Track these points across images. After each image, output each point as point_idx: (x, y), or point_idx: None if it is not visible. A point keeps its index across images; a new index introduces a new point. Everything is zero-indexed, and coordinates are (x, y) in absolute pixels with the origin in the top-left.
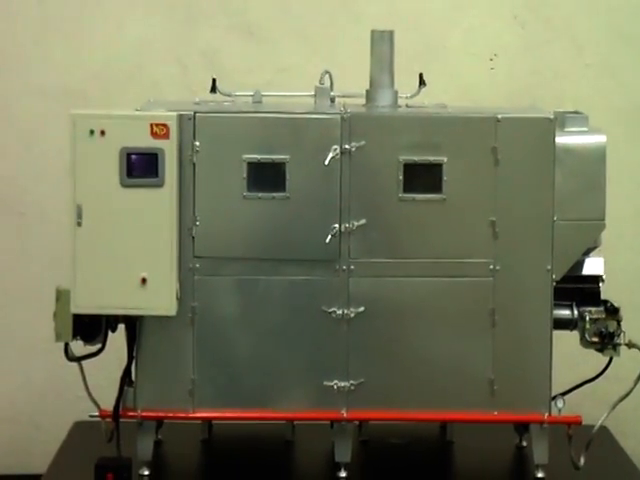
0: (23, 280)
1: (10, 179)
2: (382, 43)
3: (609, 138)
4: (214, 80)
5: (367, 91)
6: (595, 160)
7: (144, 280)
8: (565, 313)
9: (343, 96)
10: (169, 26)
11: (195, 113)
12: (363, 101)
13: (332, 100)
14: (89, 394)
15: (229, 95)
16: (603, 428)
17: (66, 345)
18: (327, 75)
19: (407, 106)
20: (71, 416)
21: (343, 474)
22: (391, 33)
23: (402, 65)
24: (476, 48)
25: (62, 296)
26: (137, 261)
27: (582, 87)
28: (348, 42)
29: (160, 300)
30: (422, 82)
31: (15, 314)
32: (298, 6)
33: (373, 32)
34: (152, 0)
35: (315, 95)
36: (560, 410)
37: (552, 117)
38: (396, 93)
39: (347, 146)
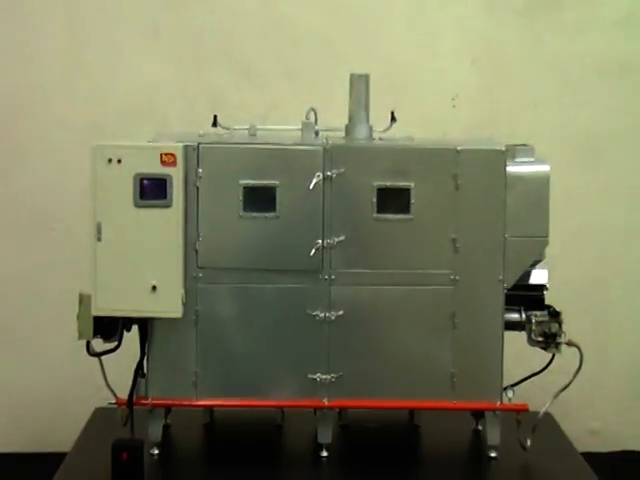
0: (51, 286)
1: (42, 200)
2: (359, 85)
3: (554, 165)
4: (215, 116)
5: (346, 126)
6: (540, 186)
7: (154, 287)
8: (515, 316)
9: (326, 130)
10: (178, 69)
11: (199, 144)
12: (343, 134)
13: (316, 133)
14: (107, 385)
15: (228, 128)
16: (547, 414)
17: (87, 342)
18: (312, 112)
19: (380, 139)
20: (92, 404)
21: (325, 453)
22: (367, 76)
23: (377, 100)
24: (440, 88)
25: (84, 300)
26: (148, 271)
27: (531, 122)
28: (330, 82)
29: (168, 304)
30: (393, 118)
31: (45, 316)
32: (288, 51)
33: (352, 75)
34: (164, 47)
35: (302, 129)
36: (510, 399)
37: (504, 149)
38: (371, 128)
39: (329, 173)
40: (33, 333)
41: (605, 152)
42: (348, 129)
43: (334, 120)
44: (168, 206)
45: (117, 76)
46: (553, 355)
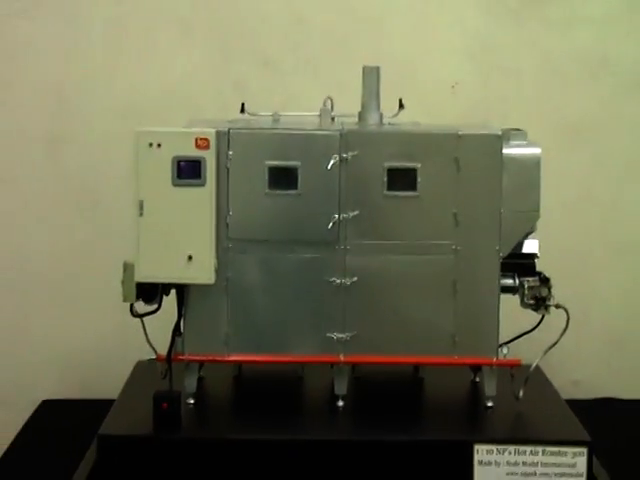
0: (99, 257)
1: (89, 178)
2: (371, 76)
3: (544, 147)
4: (243, 104)
5: (359, 113)
6: (532, 167)
7: (190, 257)
8: (509, 282)
9: (341, 115)
10: (208, 61)
11: (229, 129)
12: (356, 120)
13: (333, 119)
14: (149, 342)
15: (254, 115)
16: (537, 368)
17: (131, 305)
18: (329, 100)
19: (389, 124)
20: (135, 357)
21: (340, 403)
22: (378, 68)
23: (385, 89)
24: (442, 77)
25: (128, 268)
26: (185, 242)
27: (522, 109)
28: (344, 73)
29: (202, 272)
30: (401, 105)
31: (95, 282)
32: (305, 45)
33: (364, 67)
34: (196, 41)
35: (320, 115)
36: (505, 355)
37: (500, 133)
38: (381, 114)
39: (344, 155)
40: (85, 295)
41: (588, 136)
42: (361, 116)
43: (348, 107)
44: (202, 185)
45: (153, 67)
46: (543, 316)
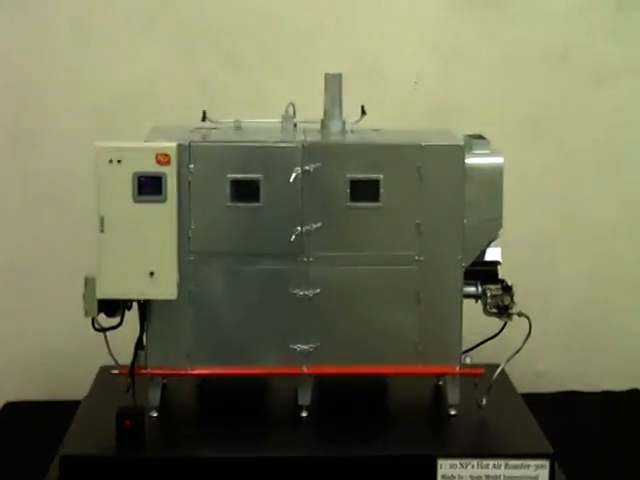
0: (64, 256)
1: (52, 178)
2: (333, 83)
3: (505, 139)
4: (204, 112)
5: (322, 120)
6: (495, 176)
7: (152, 273)
8: (472, 290)
9: (303, 122)
10: (172, 60)
11: (190, 143)
12: (319, 127)
13: (295, 125)
14: (111, 355)
15: (216, 122)
16: (502, 372)
17: (93, 319)
18: (291, 106)
19: (352, 132)
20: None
21: (304, 414)
22: (340, 76)
23: (350, 86)
24: (405, 72)
25: (89, 282)
26: (146, 258)
27: (484, 101)
28: (308, 71)
29: (164, 288)
30: (363, 112)
31: (60, 282)
32: (270, 44)
33: (326, 75)
34: (159, 39)
35: (282, 122)
36: (468, 364)
37: (462, 144)
38: (344, 122)
39: (306, 167)
40: (49, 295)
41: (549, 128)
42: (323, 123)
43: (315, 105)
44: (163, 201)
45: (117, 65)
46: (505, 323)
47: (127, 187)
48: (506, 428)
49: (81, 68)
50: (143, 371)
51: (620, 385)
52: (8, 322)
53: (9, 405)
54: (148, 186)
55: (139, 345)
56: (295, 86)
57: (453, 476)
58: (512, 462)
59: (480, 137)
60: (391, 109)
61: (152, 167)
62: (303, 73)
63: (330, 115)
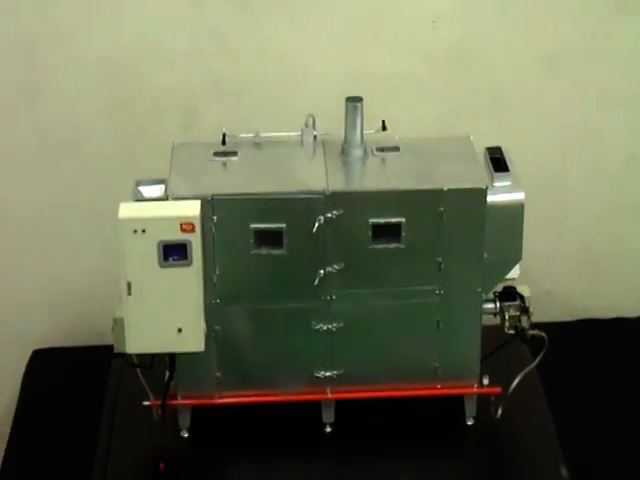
0: (82, 201)
1: (69, 127)
2: (354, 111)
3: (523, 75)
4: (224, 135)
5: (342, 145)
6: (516, 213)
7: (180, 330)
8: (490, 307)
9: (323, 134)
10: (182, 6)
11: (212, 197)
12: (339, 138)
13: (315, 137)
14: (146, 388)
15: (235, 138)
16: (533, 372)
17: (125, 355)
18: (311, 117)
19: (373, 154)
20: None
21: (328, 429)
22: (361, 104)
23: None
24: (422, 12)
25: (118, 323)
26: (173, 317)
27: (501, 36)
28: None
29: (192, 342)
30: (384, 127)
31: (80, 226)
32: None
33: (347, 101)
34: None
35: (301, 135)
36: (485, 384)
37: (485, 187)
38: (365, 147)
39: (329, 215)
40: (71, 238)
41: (566, 65)
42: (344, 149)
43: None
44: (189, 265)
45: (126, 15)
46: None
47: (152, 254)
48: (522, 439)
49: (89, 19)
50: (174, 402)
51: (630, 311)
52: (32, 269)
53: (38, 352)
54: (173, 253)
55: (170, 380)
56: (307, 30)
57: None
58: None
59: (500, 154)
60: (408, 51)
61: (177, 235)
62: (317, 19)
63: (351, 142)
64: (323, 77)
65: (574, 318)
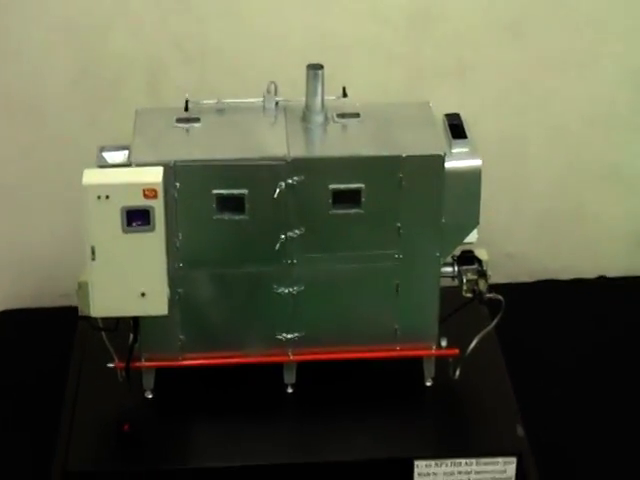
0: (48, 162)
1: (35, 90)
2: (315, 78)
3: (482, 42)
4: (187, 101)
5: (303, 112)
6: (473, 179)
7: (143, 294)
8: (449, 270)
9: (284, 101)
10: None
11: (175, 163)
12: (300, 104)
13: (276, 104)
14: (111, 351)
15: (198, 105)
16: (490, 333)
17: (89, 319)
18: (272, 84)
19: (334, 121)
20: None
21: (290, 390)
22: (322, 71)
23: None
24: None
25: (82, 286)
26: (137, 281)
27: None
28: None
29: (155, 305)
30: (345, 94)
31: (46, 187)
32: None
33: (308, 69)
34: None
35: (263, 101)
36: (443, 345)
37: (443, 154)
38: (325, 114)
39: (290, 181)
40: (36, 200)
41: (525, 30)
42: (305, 115)
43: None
44: (152, 230)
45: None
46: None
47: (116, 220)
48: (476, 417)
49: None
50: (138, 364)
51: (589, 272)
52: None
53: (4, 313)
54: (136, 219)
55: (133, 347)
56: None
57: (428, 474)
58: (483, 460)
59: (458, 120)
60: (371, 15)
61: (140, 201)
62: None
63: (312, 109)
64: (286, 41)
65: (534, 279)
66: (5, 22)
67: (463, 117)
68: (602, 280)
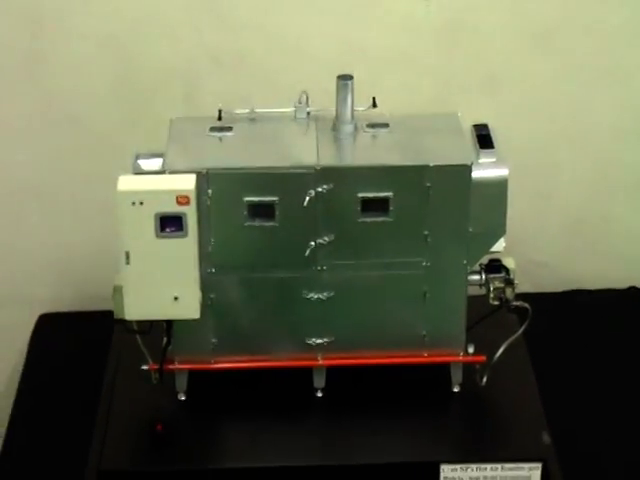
0: (84, 169)
1: (73, 99)
2: (345, 89)
3: (514, 51)
4: (220, 111)
5: (334, 122)
6: (499, 188)
7: (176, 298)
8: (476, 278)
9: (316, 110)
10: None
11: (207, 171)
12: (331, 114)
13: (308, 114)
14: (145, 353)
15: (231, 115)
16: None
17: (124, 321)
18: (304, 94)
19: (364, 131)
20: None
21: (319, 394)
22: (352, 81)
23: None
24: None
25: (117, 290)
26: (170, 285)
27: (494, 18)
28: None
29: (188, 309)
30: (375, 105)
31: (82, 192)
32: None
33: (338, 80)
34: None
35: (295, 111)
36: (470, 352)
37: (470, 163)
38: (355, 124)
39: (319, 189)
40: (73, 205)
41: (556, 42)
42: (335, 125)
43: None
44: (184, 236)
45: None
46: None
47: (150, 225)
48: (503, 423)
49: None
50: (171, 366)
51: (619, 282)
52: (38, 236)
53: (44, 317)
54: (170, 224)
55: (166, 350)
56: (304, 8)
57: (454, 478)
58: (508, 465)
59: (486, 131)
60: (401, 27)
61: (173, 208)
62: None
63: (342, 119)
64: (318, 52)
65: (564, 289)
66: (49, 34)
67: (491, 127)
68: (633, 290)
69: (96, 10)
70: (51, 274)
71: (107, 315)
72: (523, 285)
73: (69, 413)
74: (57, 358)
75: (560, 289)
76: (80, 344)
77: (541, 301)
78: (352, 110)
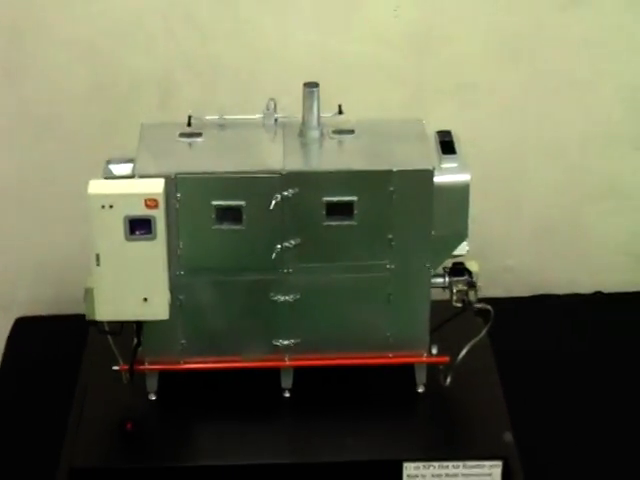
0: (63, 175)
1: (52, 106)
2: (311, 96)
3: (484, 62)
4: (189, 117)
5: (300, 128)
6: (461, 193)
7: (145, 299)
8: (439, 281)
9: (284, 117)
10: None
11: (176, 175)
12: (298, 120)
13: (276, 120)
14: (115, 354)
15: (200, 121)
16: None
17: (95, 322)
18: (272, 102)
19: (330, 137)
20: None
21: (287, 394)
22: (317, 89)
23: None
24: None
25: (88, 293)
26: (140, 287)
27: (463, 26)
28: None
29: (157, 310)
30: (340, 112)
31: (61, 198)
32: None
33: (304, 87)
34: None
35: (264, 117)
36: (434, 353)
37: (432, 168)
38: (321, 130)
39: (285, 193)
40: (51, 211)
41: (525, 51)
42: (302, 131)
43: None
44: (153, 239)
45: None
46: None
47: (119, 228)
48: (466, 422)
49: (73, 4)
50: (141, 367)
51: (585, 288)
52: (14, 240)
53: (20, 320)
54: (139, 227)
55: (136, 352)
56: (276, 17)
57: (416, 475)
58: (469, 463)
59: (449, 137)
60: (371, 35)
61: (142, 211)
62: (286, 3)
63: (308, 125)
64: (291, 60)
65: (532, 293)
66: (26, 40)
67: (454, 134)
68: (599, 295)
69: (73, 17)
70: (28, 278)
71: (83, 318)
72: (493, 289)
73: (44, 414)
74: (34, 361)
75: (529, 294)
76: (57, 347)
77: (510, 305)
78: (318, 117)
